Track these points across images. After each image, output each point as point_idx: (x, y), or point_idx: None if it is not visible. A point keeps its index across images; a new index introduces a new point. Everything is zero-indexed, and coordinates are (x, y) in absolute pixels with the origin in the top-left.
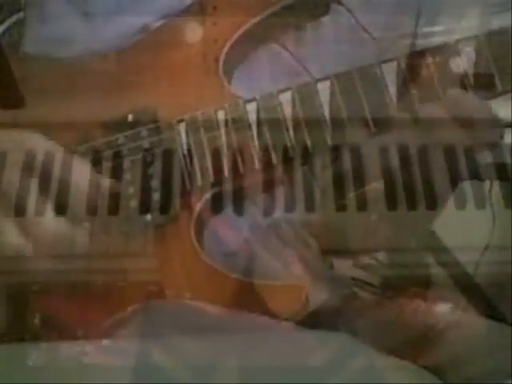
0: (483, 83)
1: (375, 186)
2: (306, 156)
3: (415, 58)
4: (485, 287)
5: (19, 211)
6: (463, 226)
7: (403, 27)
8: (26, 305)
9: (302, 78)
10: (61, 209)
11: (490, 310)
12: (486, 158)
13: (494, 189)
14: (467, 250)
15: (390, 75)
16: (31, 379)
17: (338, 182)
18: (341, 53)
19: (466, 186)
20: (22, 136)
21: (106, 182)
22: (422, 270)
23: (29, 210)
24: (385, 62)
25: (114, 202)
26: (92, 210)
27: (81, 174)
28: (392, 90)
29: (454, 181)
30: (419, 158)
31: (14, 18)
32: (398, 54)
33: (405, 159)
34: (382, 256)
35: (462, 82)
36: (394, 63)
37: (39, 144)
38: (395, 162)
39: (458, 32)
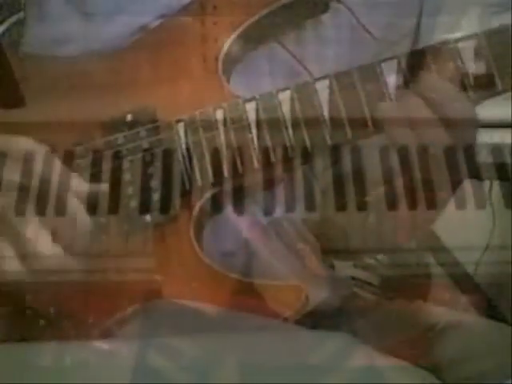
0: (483, 82)
1: (376, 193)
2: (306, 155)
3: (415, 56)
4: (485, 287)
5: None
6: (463, 226)
7: (404, 26)
8: (26, 305)
9: (302, 77)
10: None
11: (490, 310)
12: (486, 157)
13: (494, 189)
14: (467, 250)
15: (389, 74)
16: (31, 379)
17: (338, 182)
18: (341, 52)
19: (467, 185)
20: (18, 141)
21: (105, 188)
22: (422, 269)
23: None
24: (385, 60)
25: (114, 202)
26: (92, 210)
27: (78, 185)
28: (392, 88)
29: (454, 180)
30: (418, 158)
31: (13, 18)
32: (398, 53)
33: (404, 159)
34: (381, 256)
35: (462, 81)
36: (394, 62)
37: (35, 149)
38: (390, 161)
39: (459, 31)
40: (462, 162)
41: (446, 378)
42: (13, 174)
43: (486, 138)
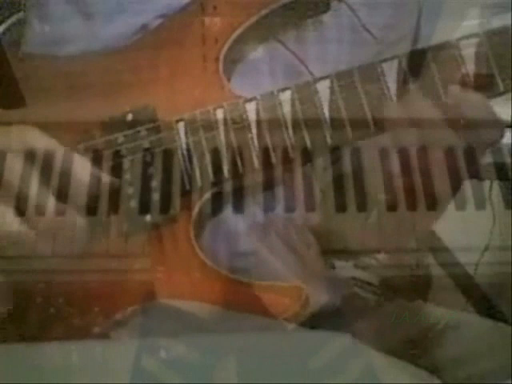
0: (484, 82)
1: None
2: (306, 156)
3: (416, 56)
4: (485, 287)
5: (21, 207)
6: (463, 227)
7: (404, 27)
8: (25, 305)
9: (303, 77)
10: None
11: (490, 310)
12: (486, 157)
13: (494, 189)
14: (467, 250)
15: (390, 74)
16: (31, 379)
17: (338, 182)
18: (341, 52)
19: (467, 186)
20: (22, 132)
21: (107, 177)
22: (422, 270)
23: (30, 206)
24: (386, 60)
25: (114, 202)
26: (92, 210)
27: (81, 170)
28: (393, 88)
29: (455, 181)
30: (419, 159)
31: (13, 18)
32: (399, 53)
33: (404, 159)
34: (382, 256)
35: (464, 81)
36: (395, 62)
37: (40, 140)
38: (395, 162)
39: (459, 31)
40: (462, 162)
41: (446, 377)
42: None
43: None
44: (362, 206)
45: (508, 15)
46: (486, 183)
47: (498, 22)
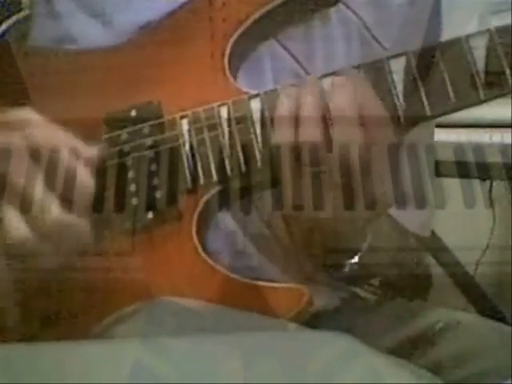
0: (495, 80)
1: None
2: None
3: (425, 53)
4: (485, 287)
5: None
6: (464, 226)
7: (412, 26)
8: (27, 303)
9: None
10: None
11: (490, 310)
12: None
13: (495, 189)
14: (468, 249)
15: (398, 71)
16: (31, 379)
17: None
18: (346, 49)
19: (475, 185)
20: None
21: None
22: (422, 269)
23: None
24: (393, 57)
25: (117, 200)
26: (95, 208)
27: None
28: (399, 86)
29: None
30: None
31: (14, 18)
32: (408, 50)
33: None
34: (382, 256)
35: (473, 79)
36: (403, 59)
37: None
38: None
39: (462, 30)
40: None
41: (445, 377)
42: None
43: (485, 137)
44: (370, 205)
45: (508, 14)
46: (487, 183)
47: (497, 22)
